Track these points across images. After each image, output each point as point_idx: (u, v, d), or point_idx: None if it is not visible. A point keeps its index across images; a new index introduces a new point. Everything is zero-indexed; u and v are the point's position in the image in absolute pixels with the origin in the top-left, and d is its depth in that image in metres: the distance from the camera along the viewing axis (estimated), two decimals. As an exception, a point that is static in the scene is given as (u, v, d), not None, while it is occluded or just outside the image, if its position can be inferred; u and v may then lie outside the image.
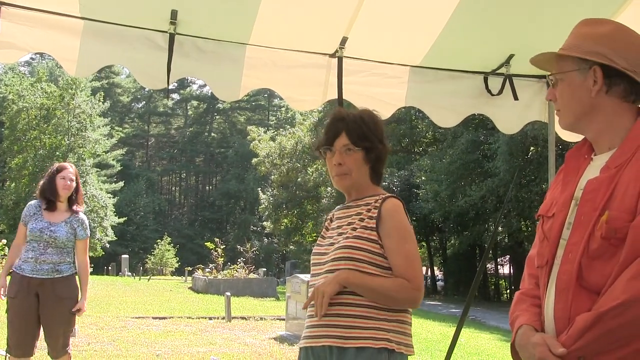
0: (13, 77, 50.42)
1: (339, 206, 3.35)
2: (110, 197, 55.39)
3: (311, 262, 3.25)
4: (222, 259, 31.64)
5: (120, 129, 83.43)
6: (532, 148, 30.55)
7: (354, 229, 3.05)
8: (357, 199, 3.20)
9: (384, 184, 3.35)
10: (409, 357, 3.00)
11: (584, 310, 2.20)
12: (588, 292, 2.24)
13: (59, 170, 6.45)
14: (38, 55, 70.38)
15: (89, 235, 6.68)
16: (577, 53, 2.44)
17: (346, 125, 3.16)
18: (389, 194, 3.14)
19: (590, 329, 2.15)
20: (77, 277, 6.44)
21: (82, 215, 6.56)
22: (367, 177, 3.20)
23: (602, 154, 2.45)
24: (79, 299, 6.36)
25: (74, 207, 6.47)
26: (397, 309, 2.98)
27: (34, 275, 6.17)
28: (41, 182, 6.53)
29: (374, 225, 3.01)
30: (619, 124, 2.42)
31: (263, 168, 53.84)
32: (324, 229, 3.32)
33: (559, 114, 2.53)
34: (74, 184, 6.44)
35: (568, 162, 2.61)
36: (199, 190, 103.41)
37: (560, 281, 2.34)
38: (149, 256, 55.40)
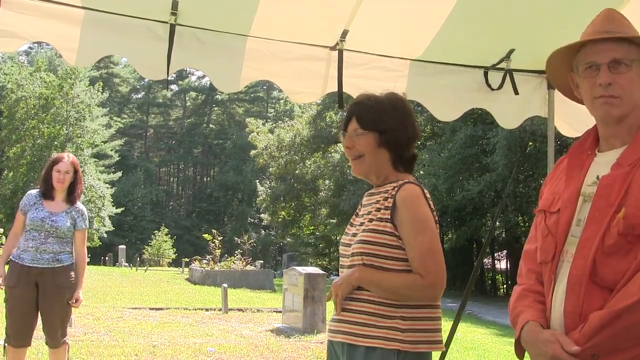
0: (12, 66, 50.27)
1: (369, 191, 3.23)
2: (108, 188, 55.32)
3: (339, 251, 3.17)
4: (219, 251, 31.68)
5: (119, 119, 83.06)
6: (530, 143, 30.53)
7: (371, 221, 2.95)
8: (379, 185, 3.10)
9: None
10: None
11: (596, 307, 2.20)
12: (600, 289, 2.24)
13: (55, 162, 6.41)
14: (37, 45, 70.25)
15: (88, 226, 6.66)
16: None
17: (359, 108, 3.08)
18: (407, 180, 2.99)
19: (605, 327, 2.14)
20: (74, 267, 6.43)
21: (81, 206, 6.53)
22: (387, 163, 3.07)
23: (611, 151, 2.44)
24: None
25: (73, 199, 6.45)
26: (419, 304, 2.87)
27: (34, 265, 6.15)
28: (42, 172, 6.52)
29: (389, 217, 2.89)
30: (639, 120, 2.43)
31: (261, 160, 53.79)
32: (354, 216, 3.22)
33: (616, 101, 2.40)
34: (70, 176, 6.40)
35: (571, 158, 2.59)
36: (196, 182, 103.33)
37: (572, 276, 2.32)
38: (146, 247, 55.33)
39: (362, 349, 2.81)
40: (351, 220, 3.21)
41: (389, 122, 3.04)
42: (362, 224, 3.03)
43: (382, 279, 2.86)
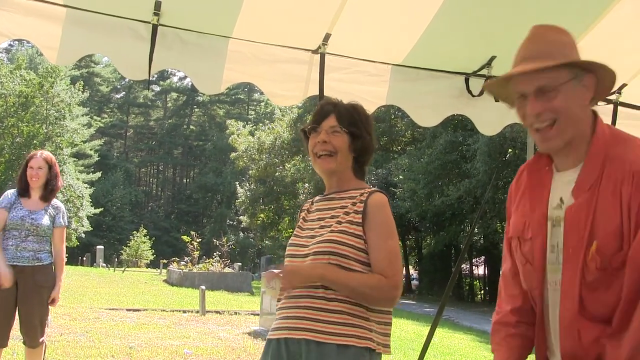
0: (-9, 63, 49.92)
1: (318, 197, 3.26)
2: (87, 187, 54.87)
3: (287, 252, 3.16)
4: (198, 253, 31.59)
5: (99, 118, 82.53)
6: (510, 150, 30.71)
7: (339, 223, 2.98)
8: (339, 190, 3.12)
9: (360, 181, 3.30)
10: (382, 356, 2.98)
11: (593, 339, 2.21)
12: (592, 322, 2.23)
13: (29, 159, 6.38)
14: (17, 42, 69.75)
15: (67, 223, 6.63)
16: (571, 59, 2.33)
17: (336, 109, 3.12)
18: (375, 189, 3.07)
19: None
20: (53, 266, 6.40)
21: (59, 203, 6.51)
22: (349, 168, 3.13)
23: (567, 171, 2.39)
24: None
25: (50, 195, 6.40)
26: (380, 309, 2.94)
27: (14, 263, 6.11)
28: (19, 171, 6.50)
29: (360, 221, 2.95)
30: (587, 134, 2.36)
31: (241, 162, 53.77)
32: (301, 220, 3.24)
33: (552, 132, 2.30)
34: (44, 172, 6.35)
35: (530, 176, 2.55)
36: (176, 183, 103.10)
37: (564, 319, 2.31)
38: (124, 248, 55.17)
39: (332, 347, 2.81)
40: (299, 224, 3.23)
41: (362, 129, 3.13)
42: (323, 227, 3.04)
43: (349, 278, 2.89)
